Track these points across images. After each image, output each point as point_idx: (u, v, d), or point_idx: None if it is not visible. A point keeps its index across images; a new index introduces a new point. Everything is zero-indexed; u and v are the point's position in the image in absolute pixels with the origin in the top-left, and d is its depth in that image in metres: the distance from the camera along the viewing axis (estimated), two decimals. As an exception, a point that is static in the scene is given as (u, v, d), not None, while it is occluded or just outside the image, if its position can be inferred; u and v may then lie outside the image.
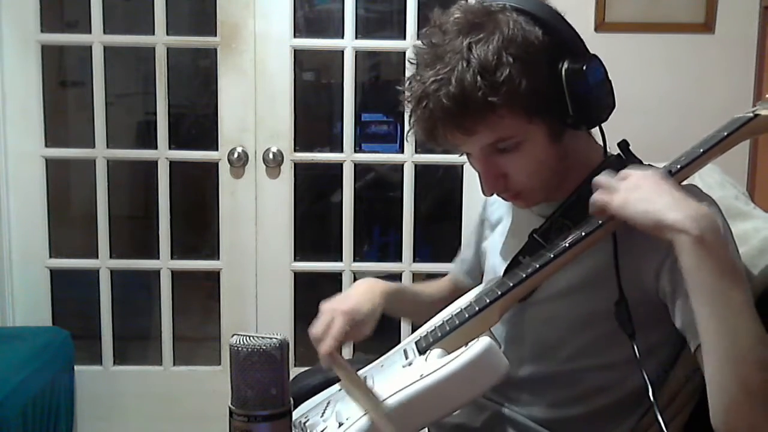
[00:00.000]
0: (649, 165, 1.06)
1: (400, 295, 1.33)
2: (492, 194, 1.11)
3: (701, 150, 1.03)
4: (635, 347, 1.02)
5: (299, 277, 2.54)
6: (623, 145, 1.10)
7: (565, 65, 1.02)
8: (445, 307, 1.23)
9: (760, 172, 2.27)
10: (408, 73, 1.08)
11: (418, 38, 1.11)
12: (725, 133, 1.03)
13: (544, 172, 1.08)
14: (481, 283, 1.30)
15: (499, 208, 1.31)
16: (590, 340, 1.10)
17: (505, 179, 1.08)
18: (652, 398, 0.99)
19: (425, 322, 1.21)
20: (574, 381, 1.12)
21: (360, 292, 1.23)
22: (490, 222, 1.33)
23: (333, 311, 1.17)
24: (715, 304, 0.90)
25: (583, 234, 1.02)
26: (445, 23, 1.04)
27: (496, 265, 1.24)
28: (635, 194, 0.95)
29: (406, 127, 1.15)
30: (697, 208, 0.92)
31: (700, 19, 2.29)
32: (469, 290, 1.25)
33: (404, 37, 2.41)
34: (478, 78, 0.98)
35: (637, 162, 1.08)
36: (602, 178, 1.00)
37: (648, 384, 1.00)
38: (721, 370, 0.90)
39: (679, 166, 1.02)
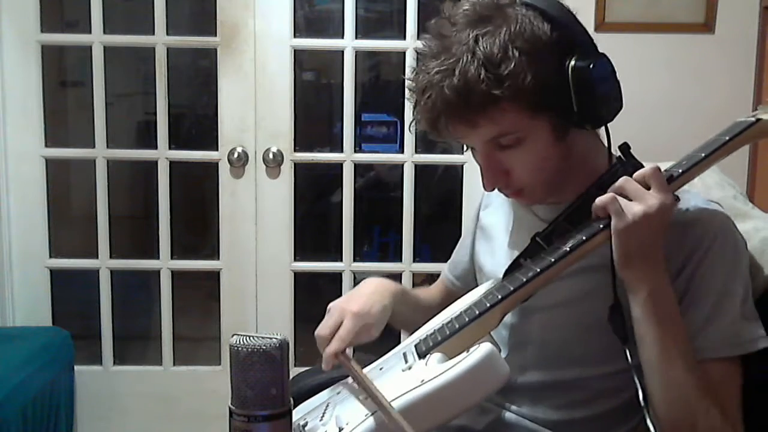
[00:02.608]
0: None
1: (405, 297, 1.29)
2: (492, 189, 1.10)
3: (703, 154, 1.02)
4: (627, 352, 1.01)
5: (299, 277, 2.54)
6: (624, 147, 1.08)
7: (572, 62, 1.01)
8: (439, 313, 1.20)
9: (760, 172, 2.27)
10: (414, 66, 1.07)
11: (424, 32, 1.09)
12: (727, 138, 1.02)
13: (546, 170, 1.07)
14: (472, 288, 1.26)
15: (492, 213, 1.30)
16: (595, 348, 1.10)
17: (507, 176, 1.07)
18: (642, 403, 1.00)
19: (414, 331, 1.18)
20: (579, 386, 1.12)
21: (369, 292, 1.19)
22: (482, 226, 1.32)
23: (342, 311, 1.14)
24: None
25: (584, 238, 1.01)
26: (455, 15, 1.03)
27: (496, 267, 1.22)
28: (633, 228, 0.97)
29: (407, 121, 1.15)
30: (653, 268, 0.98)
31: (700, 19, 2.29)
32: (461, 295, 1.22)
33: (404, 37, 2.41)
34: (482, 70, 0.97)
35: (638, 165, 1.07)
36: (629, 186, 0.99)
37: (639, 390, 1.00)
38: (656, 408, 1.00)
39: (680, 171, 1.02)
